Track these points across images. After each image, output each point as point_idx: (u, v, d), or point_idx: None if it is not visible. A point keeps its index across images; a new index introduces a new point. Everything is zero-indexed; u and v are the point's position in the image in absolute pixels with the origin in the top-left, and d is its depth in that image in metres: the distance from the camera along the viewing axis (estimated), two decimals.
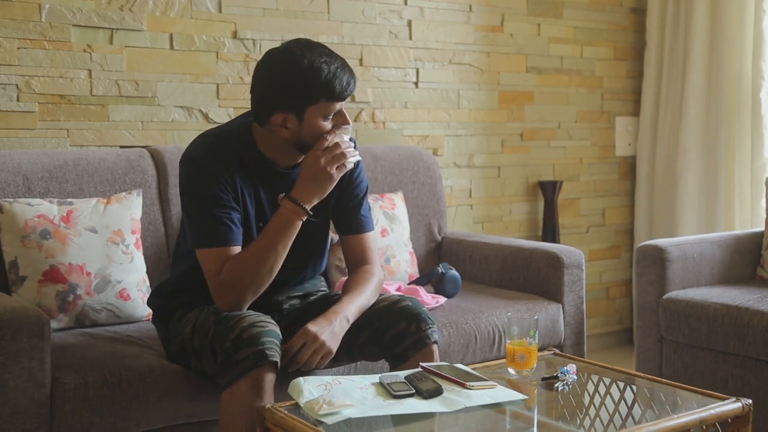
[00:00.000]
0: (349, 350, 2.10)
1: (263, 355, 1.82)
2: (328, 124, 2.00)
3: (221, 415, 1.86)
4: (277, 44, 3.09)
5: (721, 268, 3.08)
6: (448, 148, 3.64)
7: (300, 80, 1.94)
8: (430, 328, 2.03)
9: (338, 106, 2.00)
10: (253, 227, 2.06)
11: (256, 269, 1.96)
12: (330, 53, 2.00)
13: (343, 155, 1.98)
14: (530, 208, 3.92)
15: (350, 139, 2.16)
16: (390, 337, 2.03)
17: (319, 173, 1.97)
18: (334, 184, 2.01)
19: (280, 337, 1.91)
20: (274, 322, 1.93)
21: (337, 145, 1.99)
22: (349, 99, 2.06)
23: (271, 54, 2.03)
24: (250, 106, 2.07)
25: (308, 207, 1.98)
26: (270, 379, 1.85)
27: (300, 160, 2.08)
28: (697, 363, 2.81)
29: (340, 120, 2.02)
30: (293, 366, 1.95)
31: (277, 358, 1.85)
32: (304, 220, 1.99)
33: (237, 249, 2.00)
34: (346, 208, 2.19)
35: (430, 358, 2.01)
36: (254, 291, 1.98)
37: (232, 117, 3.00)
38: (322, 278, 2.35)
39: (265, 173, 2.07)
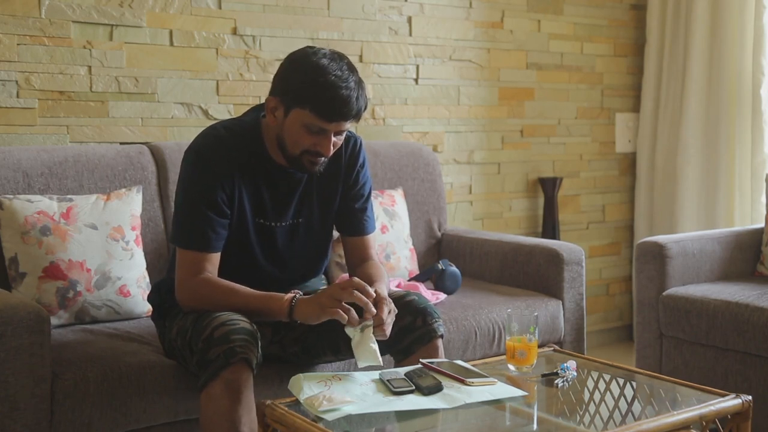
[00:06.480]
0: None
1: (233, 353, 1.79)
2: (306, 138, 1.93)
3: (201, 417, 1.85)
4: (277, 40, 3.14)
5: (721, 264, 3.08)
6: (448, 145, 3.64)
7: (300, 74, 1.92)
8: (436, 322, 2.03)
9: (325, 126, 1.91)
10: (249, 223, 2.05)
11: (220, 308, 1.93)
12: (350, 76, 1.91)
13: (340, 313, 1.82)
14: (530, 205, 3.92)
15: (352, 136, 2.16)
16: (396, 332, 2.02)
17: (319, 299, 1.86)
18: (319, 319, 1.88)
19: (254, 333, 1.87)
20: (247, 320, 1.89)
21: (349, 308, 1.82)
22: (347, 127, 1.95)
23: (310, 46, 1.99)
24: (262, 99, 2.04)
25: (296, 320, 1.91)
26: (244, 377, 1.82)
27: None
28: (697, 359, 2.81)
29: (321, 143, 1.93)
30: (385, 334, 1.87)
31: (248, 355, 1.82)
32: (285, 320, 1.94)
33: (216, 256, 2.00)
34: (351, 209, 2.18)
35: (435, 352, 2.01)
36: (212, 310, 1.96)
37: (232, 113, 3.00)
38: (323, 276, 2.35)
39: (269, 170, 2.06)
